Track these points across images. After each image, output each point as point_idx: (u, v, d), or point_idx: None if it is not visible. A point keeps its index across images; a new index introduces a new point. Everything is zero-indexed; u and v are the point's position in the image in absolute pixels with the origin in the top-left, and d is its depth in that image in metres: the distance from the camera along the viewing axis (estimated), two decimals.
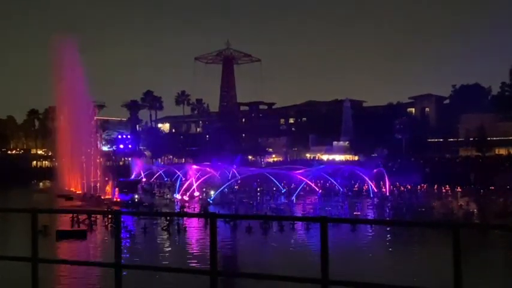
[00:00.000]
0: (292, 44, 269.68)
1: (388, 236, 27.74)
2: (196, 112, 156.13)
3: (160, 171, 74.39)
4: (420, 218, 35.72)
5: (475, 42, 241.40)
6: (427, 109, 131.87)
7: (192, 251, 23.76)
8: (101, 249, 24.44)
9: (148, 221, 30.31)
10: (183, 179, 54.80)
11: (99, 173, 63.89)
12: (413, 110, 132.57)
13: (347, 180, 54.27)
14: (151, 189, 58.48)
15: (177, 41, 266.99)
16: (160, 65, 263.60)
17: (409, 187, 53.43)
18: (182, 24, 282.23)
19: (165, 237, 27.54)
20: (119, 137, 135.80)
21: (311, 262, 19.62)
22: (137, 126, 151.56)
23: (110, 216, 27.72)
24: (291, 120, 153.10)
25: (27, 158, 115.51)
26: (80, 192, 52.65)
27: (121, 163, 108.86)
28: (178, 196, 48.64)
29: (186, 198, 47.43)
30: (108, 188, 49.53)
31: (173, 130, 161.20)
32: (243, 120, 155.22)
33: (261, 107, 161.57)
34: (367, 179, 50.26)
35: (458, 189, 53.22)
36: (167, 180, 67.48)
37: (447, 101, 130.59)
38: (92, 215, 31.19)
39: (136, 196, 48.92)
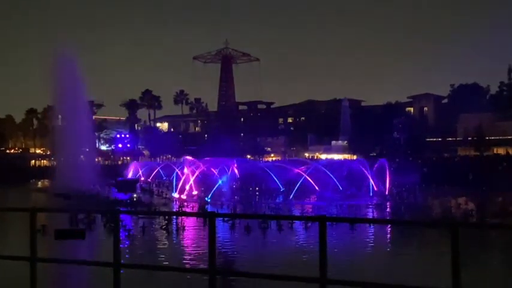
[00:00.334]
0: (291, 43, 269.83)
1: (388, 235, 27.76)
2: (194, 111, 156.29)
3: (159, 168, 74.21)
4: (419, 217, 35.76)
5: (473, 41, 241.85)
6: (425, 108, 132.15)
7: (191, 250, 23.77)
8: (100, 248, 24.41)
9: (146, 220, 30.31)
10: (180, 174, 54.66)
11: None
12: (411, 109, 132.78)
13: (347, 178, 54.14)
14: (150, 188, 58.47)
15: (176, 40, 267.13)
16: (159, 64, 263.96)
17: (407, 186, 53.41)
18: (181, 23, 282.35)
19: (164, 236, 27.53)
20: (118, 136, 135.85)
21: (309, 261, 19.66)
22: (136, 125, 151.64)
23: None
24: (290, 120, 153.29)
25: (26, 157, 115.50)
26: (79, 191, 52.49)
27: (120, 162, 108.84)
28: (176, 195, 48.65)
29: (183, 197, 47.38)
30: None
31: (172, 129, 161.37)
32: (242, 119, 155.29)
33: (260, 106, 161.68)
34: (369, 176, 49.89)
35: (457, 188, 53.22)
36: (166, 179, 67.45)
37: (445, 101, 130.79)
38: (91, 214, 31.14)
39: (135, 195, 48.89)
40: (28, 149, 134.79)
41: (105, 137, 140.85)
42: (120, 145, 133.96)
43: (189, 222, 30.40)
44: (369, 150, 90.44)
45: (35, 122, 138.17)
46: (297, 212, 38.59)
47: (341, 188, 50.13)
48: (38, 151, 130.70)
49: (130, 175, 74.99)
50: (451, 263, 7.60)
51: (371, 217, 37.77)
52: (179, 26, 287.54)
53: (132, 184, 58.38)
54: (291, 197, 45.21)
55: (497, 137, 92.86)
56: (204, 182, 53.61)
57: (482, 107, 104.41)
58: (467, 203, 41.23)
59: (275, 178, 53.11)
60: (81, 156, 74.56)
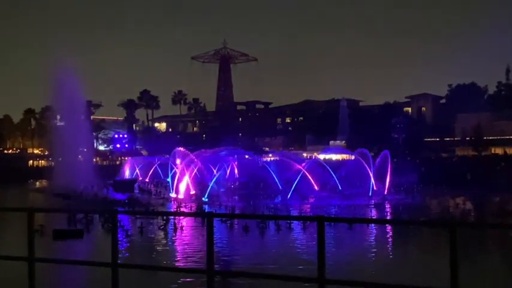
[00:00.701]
0: (289, 43, 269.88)
1: (387, 235, 27.77)
2: (193, 111, 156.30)
3: (156, 165, 73.54)
4: (417, 217, 35.80)
5: (471, 41, 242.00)
6: (423, 108, 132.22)
7: (189, 251, 23.74)
8: (98, 248, 24.39)
9: (144, 220, 30.29)
10: (174, 166, 54.14)
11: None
12: (409, 109, 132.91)
13: (346, 177, 53.98)
14: (147, 188, 58.43)
15: (174, 40, 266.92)
16: (157, 64, 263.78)
17: (405, 186, 53.40)
18: (179, 23, 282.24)
19: (162, 236, 27.52)
20: (116, 136, 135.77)
21: (308, 261, 19.66)
22: (134, 125, 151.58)
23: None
24: (288, 120, 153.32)
25: (24, 157, 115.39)
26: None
27: (118, 162, 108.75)
28: (173, 195, 48.59)
29: (180, 196, 47.22)
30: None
31: (170, 129, 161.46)
32: (240, 119, 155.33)
33: (258, 106, 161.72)
34: (371, 173, 49.61)
35: (455, 188, 53.26)
36: (164, 179, 67.34)
37: (443, 101, 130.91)
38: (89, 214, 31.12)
39: (135, 191, 48.96)
40: (26, 149, 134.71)
41: (103, 137, 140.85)
42: (118, 145, 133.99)
43: (187, 222, 30.38)
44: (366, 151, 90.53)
45: (33, 122, 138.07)
46: (295, 212, 38.57)
47: (340, 188, 50.11)
48: (36, 151, 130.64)
49: (127, 173, 74.80)
50: (450, 262, 7.60)
51: (369, 217, 37.75)
52: (177, 26, 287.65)
53: (130, 184, 58.31)
54: (288, 196, 45.05)
55: (495, 137, 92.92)
56: (201, 179, 53.48)
57: (480, 107, 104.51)
58: (466, 203, 41.28)
59: (275, 177, 52.92)
60: (79, 157, 74.51)
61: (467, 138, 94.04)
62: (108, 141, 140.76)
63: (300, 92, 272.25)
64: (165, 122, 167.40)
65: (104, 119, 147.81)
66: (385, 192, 48.49)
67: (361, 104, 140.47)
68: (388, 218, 37.52)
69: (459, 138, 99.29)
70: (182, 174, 50.09)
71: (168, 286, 16.06)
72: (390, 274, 18.62)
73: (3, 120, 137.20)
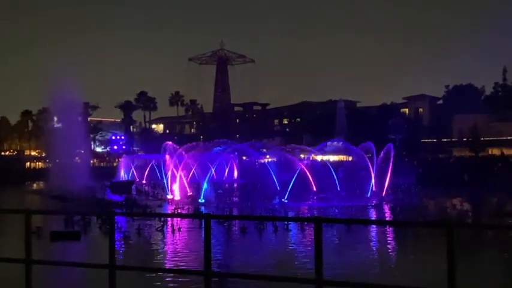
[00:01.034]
0: (286, 44, 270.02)
1: (384, 236, 27.78)
2: (190, 113, 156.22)
3: (152, 164, 73.13)
4: (415, 218, 35.83)
5: (468, 42, 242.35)
6: (420, 109, 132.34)
7: (186, 252, 23.73)
8: (95, 250, 24.36)
9: (142, 222, 30.26)
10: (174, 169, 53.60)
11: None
12: (406, 110, 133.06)
13: (345, 177, 53.86)
14: (145, 190, 58.39)
15: (171, 42, 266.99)
16: (154, 66, 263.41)
17: (403, 187, 53.41)
18: (176, 24, 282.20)
19: (159, 238, 27.50)
20: (113, 137, 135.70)
21: (305, 262, 19.66)
22: (131, 127, 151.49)
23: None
24: (285, 121, 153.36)
25: (21, 159, 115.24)
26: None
27: (115, 164, 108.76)
28: (170, 196, 48.52)
29: (177, 198, 47.09)
30: None
31: (167, 131, 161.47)
32: (237, 120, 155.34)
33: (255, 107, 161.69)
34: (372, 174, 49.41)
35: (452, 189, 53.31)
36: (161, 180, 67.24)
37: (440, 102, 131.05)
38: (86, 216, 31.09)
39: (131, 196, 48.86)
40: (23, 151, 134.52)
41: (100, 138, 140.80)
42: (115, 147, 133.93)
43: (185, 224, 30.37)
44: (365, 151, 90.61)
45: (30, 124, 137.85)
46: (293, 213, 38.55)
47: (339, 189, 50.10)
48: (33, 153, 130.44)
49: (122, 173, 74.65)
50: (447, 263, 7.61)
51: (367, 218, 37.74)
52: (174, 27, 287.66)
53: (127, 186, 58.29)
54: (285, 198, 44.90)
55: (493, 138, 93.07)
56: (199, 180, 53.34)
57: (477, 108, 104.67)
58: (463, 204, 41.33)
59: (274, 177, 52.75)
60: (76, 158, 74.52)
61: (465, 139, 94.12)
62: (105, 142, 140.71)
63: (297, 94, 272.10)
64: (163, 123, 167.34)
65: (101, 120, 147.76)
66: (383, 194, 48.48)
67: (358, 105, 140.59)
68: (385, 219, 37.55)
69: (456, 139, 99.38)
70: (174, 174, 49.79)
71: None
72: (387, 275, 18.65)
73: (0, 122, 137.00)
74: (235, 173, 69.48)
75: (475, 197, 47.09)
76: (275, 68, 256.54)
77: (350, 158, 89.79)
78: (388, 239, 27.15)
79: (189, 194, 49.01)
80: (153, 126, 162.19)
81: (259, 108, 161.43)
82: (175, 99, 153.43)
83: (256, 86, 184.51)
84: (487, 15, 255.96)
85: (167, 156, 54.54)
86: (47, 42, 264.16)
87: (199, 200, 45.15)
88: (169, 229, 28.56)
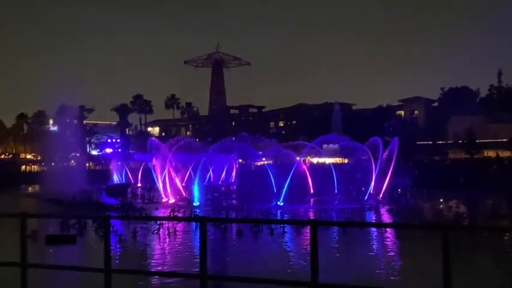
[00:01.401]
0: (282, 47, 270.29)
1: (380, 238, 27.79)
2: (186, 116, 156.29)
3: (145, 162, 71.97)
4: (411, 220, 35.85)
5: (463, 45, 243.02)
6: (416, 112, 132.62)
7: (182, 255, 23.70)
8: (91, 253, 24.31)
9: (138, 225, 30.20)
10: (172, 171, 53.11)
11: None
12: (402, 112, 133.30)
13: (342, 180, 53.72)
14: (141, 193, 58.28)
15: (167, 45, 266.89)
16: (150, 69, 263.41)
17: (399, 189, 53.39)
18: (172, 27, 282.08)
19: (155, 241, 27.45)
20: (109, 141, 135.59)
21: (301, 265, 19.65)
22: (127, 130, 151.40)
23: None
24: (281, 124, 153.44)
25: (16, 162, 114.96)
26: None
27: (111, 167, 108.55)
28: (165, 199, 48.42)
29: (171, 201, 46.97)
30: None
31: (163, 134, 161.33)
32: (233, 123, 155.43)
33: (251, 110, 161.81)
34: (374, 176, 49.26)
35: (448, 191, 53.35)
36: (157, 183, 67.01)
37: (436, 104, 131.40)
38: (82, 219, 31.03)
39: (127, 200, 48.74)
40: (18, 154, 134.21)
41: (96, 141, 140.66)
42: (109, 150, 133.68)
43: (181, 227, 30.34)
44: (360, 154, 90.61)
45: (26, 127, 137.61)
46: (289, 216, 38.51)
47: (336, 191, 50.09)
48: (28, 156, 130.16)
49: (115, 176, 74.38)
50: (442, 265, 7.62)
51: (364, 221, 37.73)
52: (170, 30, 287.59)
53: (123, 189, 58.18)
54: (280, 200, 44.82)
55: (488, 140, 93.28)
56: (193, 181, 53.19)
57: (473, 110, 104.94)
58: (459, 206, 41.37)
59: (272, 179, 52.62)
60: (72, 161, 74.41)
61: (460, 141, 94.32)
62: (101, 145, 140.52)
63: (293, 96, 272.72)
64: (158, 126, 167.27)
65: (96, 123, 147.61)
66: (380, 196, 48.45)
67: (354, 107, 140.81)
68: (382, 221, 37.59)
69: (452, 141, 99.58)
70: (169, 176, 49.57)
71: None
72: (383, 278, 18.65)
73: None
74: (233, 175, 69.29)
75: (471, 199, 47.14)
76: (271, 71, 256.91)
77: (346, 160, 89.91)
78: (384, 241, 27.15)
79: (184, 197, 48.94)
80: (149, 129, 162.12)
81: (255, 110, 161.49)
82: (171, 102, 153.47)
83: (252, 88, 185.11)
84: (483, 17, 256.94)
85: (154, 161, 53.84)
86: (42, 45, 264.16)
87: (194, 203, 45.02)
88: (165, 232, 28.51)
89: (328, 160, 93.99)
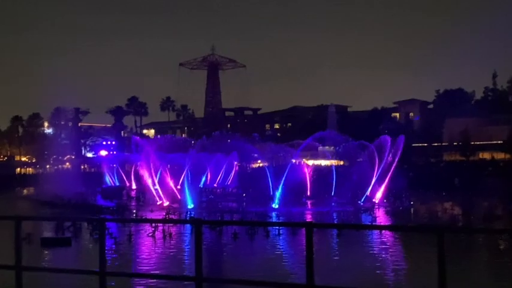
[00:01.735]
0: (277, 49, 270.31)
1: (376, 241, 27.80)
2: (181, 118, 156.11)
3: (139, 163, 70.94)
4: (406, 222, 35.93)
5: (458, 47, 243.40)
6: (411, 114, 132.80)
7: (178, 258, 23.68)
8: (86, 256, 24.26)
9: (133, 227, 30.16)
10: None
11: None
12: (397, 114, 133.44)
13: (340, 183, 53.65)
14: (136, 195, 58.16)
15: (162, 47, 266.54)
16: (145, 71, 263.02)
17: (394, 192, 53.38)
18: (167, 29, 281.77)
19: (150, 244, 27.41)
20: (104, 143, 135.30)
21: (296, 268, 19.64)
22: (122, 132, 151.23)
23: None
24: (276, 126, 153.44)
25: (11, 165, 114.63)
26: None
27: (104, 169, 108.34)
28: (159, 202, 48.27)
29: (165, 204, 46.84)
30: None
31: (158, 136, 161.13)
32: (229, 125, 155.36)
33: (246, 112, 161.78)
34: (374, 178, 49.10)
35: (443, 193, 53.50)
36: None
37: (431, 106, 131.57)
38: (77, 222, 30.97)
39: (122, 202, 48.69)
40: (13, 156, 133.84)
41: (91, 144, 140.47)
42: (103, 153, 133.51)
43: (176, 229, 30.32)
44: (356, 156, 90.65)
45: (20, 129, 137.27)
46: (284, 219, 38.54)
47: (333, 194, 50.12)
48: (23, 159, 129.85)
49: (108, 178, 74.13)
50: (437, 267, 7.63)
51: (358, 223, 37.76)
52: (165, 32, 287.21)
53: (118, 191, 58.09)
54: (274, 203, 44.77)
55: (483, 142, 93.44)
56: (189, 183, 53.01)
57: (468, 112, 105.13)
58: (454, 208, 41.48)
59: (270, 181, 52.44)
60: (67, 164, 74.27)
61: (455, 144, 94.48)
62: (96, 148, 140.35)
63: (289, 98, 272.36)
64: (154, 128, 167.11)
65: (91, 126, 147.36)
66: (375, 198, 48.48)
67: (349, 109, 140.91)
68: (377, 223, 37.61)
69: (447, 144, 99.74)
70: (164, 179, 49.30)
71: None
72: (379, 280, 18.66)
73: None
74: (230, 177, 69.16)
75: (466, 201, 47.27)
76: (266, 73, 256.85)
77: (341, 163, 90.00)
78: (379, 243, 27.17)
79: (178, 199, 48.82)
80: (144, 131, 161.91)
81: (251, 113, 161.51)
82: (167, 104, 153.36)
83: (247, 90, 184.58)
84: (477, 20, 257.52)
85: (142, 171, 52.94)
86: (37, 48, 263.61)
87: (188, 206, 44.93)
88: (160, 235, 28.48)
89: (324, 162, 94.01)
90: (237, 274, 19.03)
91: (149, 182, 48.84)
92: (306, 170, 49.76)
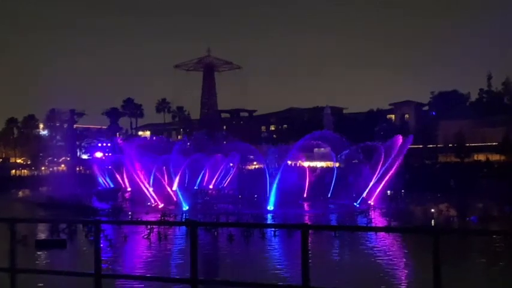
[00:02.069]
0: (273, 51, 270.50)
1: (372, 242, 27.82)
2: (177, 119, 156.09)
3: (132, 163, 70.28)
4: (401, 223, 35.95)
5: (453, 49, 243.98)
6: (406, 116, 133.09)
7: (173, 260, 23.65)
8: (81, 258, 24.21)
9: (128, 229, 30.11)
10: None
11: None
12: (393, 116, 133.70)
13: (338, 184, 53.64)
14: (131, 197, 58.04)
15: (157, 48, 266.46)
16: (140, 73, 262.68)
17: (389, 193, 53.51)
18: (162, 31, 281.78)
19: (146, 245, 27.37)
20: (99, 145, 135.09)
21: (292, 269, 19.63)
22: (117, 134, 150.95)
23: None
24: (272, 128, 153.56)
25: (6, 166, 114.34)
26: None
27: (97, 171, 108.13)
28: (154, 203, 48.21)
29: (160, 206, 46.75)
30: None
31: (154, 138, 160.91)
32: (224, 127, 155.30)
33: (242, 114, 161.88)
34: (373, 179, 49.12)
35: (438, 194, 53.57)
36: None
37: (426, 108, 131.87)
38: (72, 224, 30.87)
39: (117, 204, 48.57)
40: (8, 158, 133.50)
41: (86, 145, 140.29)
42: (98, 154, 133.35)
43: (172, 231, 30.28)
44: (351, 157, 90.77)
45: (16, 131, 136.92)
46: (280, 220, 38.53)
47: (329, 195, 50.15)
48: (18, 160, 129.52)
49: (100, 179, 73.82)
50: (433, 269, 7.64)
51: (355, 224, 37.78)
52: (160, 34, 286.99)
53: (113, 193, 57.98)
54: (269, 205, 44.71)
55: (478, 144, 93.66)
56: (186, 187, 53.05)
57: (463, 114, 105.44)
58: (449, 209, 41.54)
59: (268, 183, 52.36)
60: (62, 166, 74.10)
61: (450, 145, 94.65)
62: (91, 149, 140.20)
63: (284, 100, 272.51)
64: (149, 130, 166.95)
65: (87, 127, 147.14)
66: (370, 200, 48.53)
67: (345, 111, 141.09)
68: (373, 225, 37.64)
69: (442, 145, 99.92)
70: (158, 180, 49.21)
71: None
72: (375, 281, 18.67)
73: None
74: (227, 179, 69.07)
75: (461, 203, 47.35)
76: (262, 75, 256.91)
77: (337, 164, 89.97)
78: (375, 245, 27.19)
79: (174, 201, 48.76)
80: (140, 133, 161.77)
81: (247, 114, 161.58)
82: (162, 106, 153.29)
83: (243, 92, 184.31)
84: (472, 21, 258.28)
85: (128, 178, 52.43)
86: (32, 48, 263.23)
87: (183, 208, 44.87)
88: (156, 237, 28.43)
89: (320, 164, 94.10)
90: (232, 276, 19.01)
91: (142, 184, 48.74)
92: (306, 171, 49.66)
